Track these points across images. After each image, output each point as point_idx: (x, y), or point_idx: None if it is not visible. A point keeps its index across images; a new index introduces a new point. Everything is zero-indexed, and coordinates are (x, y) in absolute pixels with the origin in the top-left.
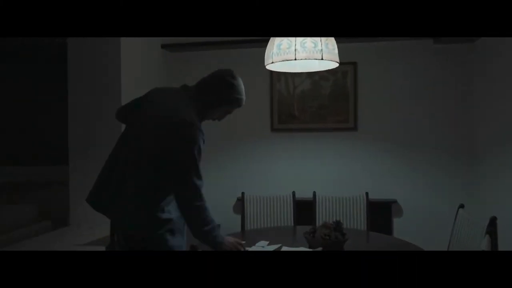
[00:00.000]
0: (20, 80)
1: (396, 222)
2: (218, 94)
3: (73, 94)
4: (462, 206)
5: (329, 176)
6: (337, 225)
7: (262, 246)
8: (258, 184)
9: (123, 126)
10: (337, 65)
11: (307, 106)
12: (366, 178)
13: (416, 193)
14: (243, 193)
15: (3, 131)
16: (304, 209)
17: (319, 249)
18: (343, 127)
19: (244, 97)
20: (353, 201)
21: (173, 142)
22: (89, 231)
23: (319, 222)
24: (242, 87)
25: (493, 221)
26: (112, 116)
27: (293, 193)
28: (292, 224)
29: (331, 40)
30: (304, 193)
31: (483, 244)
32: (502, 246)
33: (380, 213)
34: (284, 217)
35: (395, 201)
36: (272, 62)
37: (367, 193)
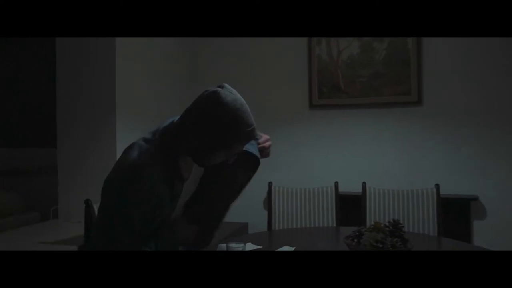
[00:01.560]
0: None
1: (477, 225)
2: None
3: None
4: None
5: (384, 164)
6: (395, 226)
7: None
8: (292, 174)
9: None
10: None
11: (355, 75)
12: (436, 167)
13: (503, 189)
14: (270, 184)
15: None
16: (350, 206)
17: None
18: (404, 101)
19: (244, 127)
20: (418, 196)
21: None
22: (78, 225)
23: (370, 223)
24: (243, 113)
25: None
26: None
27: (336, 184)
28: (334, 224)
29: None
30: (351, 186)
31: None
32: None
33: (456, 213)
34: (323, 216)
35: (475, 198)
36: None
37: (437, 186)
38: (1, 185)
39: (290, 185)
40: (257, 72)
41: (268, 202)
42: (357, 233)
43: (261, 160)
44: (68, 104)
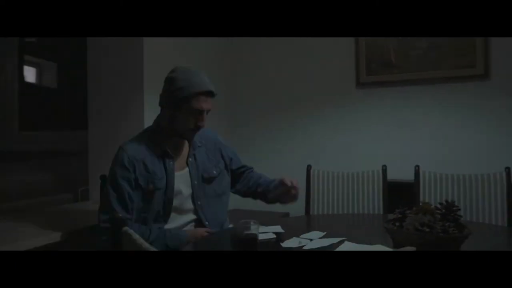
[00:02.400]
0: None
1: None
2: (161, 98)
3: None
4: None
5: (442, 148)
6: (448, 209)
7: (308, 239)
8: (335, 158)
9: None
10: None
11: (409, 47)
12: (505, 150)
13: None
14: (308, 167)
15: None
16: (401, 195)
17: (410, 249)
18: (467, 75)
19: (194, 82)
20: (484, 182)
21: None
22: None
23: None
24: (186, 74)
25: None
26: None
27: (384, 168)
28: (381, 212)
29: None
30: (402, 173)
31: None
32: None
33: None
34: (368, 202)
35: None
36: None
37: (508, 170)
38: (35, 167)
39: (333, 170)
40: (299, 49)
41: (307, 186)
42: (400, 216)
43: (303, 143)
44: (98, 87)
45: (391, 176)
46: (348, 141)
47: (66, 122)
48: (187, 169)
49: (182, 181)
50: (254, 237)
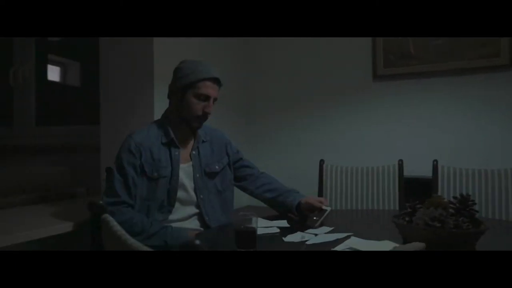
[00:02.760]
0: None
1: None
2: (169, 88)
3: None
4: None
5: (464, 143)
6: (463, 203)
7: (313, 234)
8: (352, 152)
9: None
10: None
11: (429, 37)
12: None
13: None
14: (321, 162)
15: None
16: (418, 192)
17: (419, 245)
18: (491, 65)
19: (201, 69)
20: (508, 177)
21: None
22: None
23: None
24: (193, 63)
25: None
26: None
27: (400, 163)
28: (397, 208)
29: None
30: (419, 169)
31: None
32: None
33: None
34: (383, 198)
35: None
36: None
37: None
38: (51, 161)
39: (348, 165)
40: (314, 41)
41: (319, 181)
42: (410, 210)
43: (318, 137)
44: (109, 82)
45: (408, 172)
46: (364, 136)
47: (83, 117)
48: (190, 162)
49: (185, 173)
50: (252, 230)
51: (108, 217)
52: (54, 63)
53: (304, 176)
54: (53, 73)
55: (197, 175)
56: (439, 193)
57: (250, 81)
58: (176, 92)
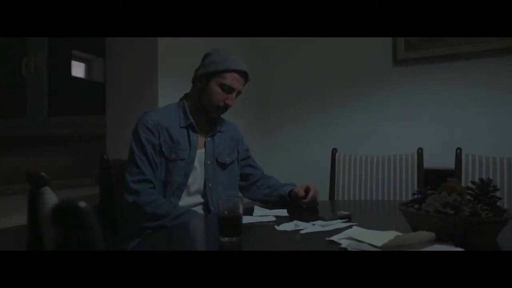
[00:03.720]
0: None
1: None
2: (195, 72)
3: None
4: None
5: (493, 132)
6: (484, 189)
7: (312, 223)
8: (370, 141)
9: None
10: None
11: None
12: None
13: None
14: (333, 150)
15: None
16: (439, 184)
17: (428, 234)
18: None
19: (232, 60)
20: None
21: None
22: None
23: None
24: (223, 52)
25: None
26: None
27: (420, 151)
28: None
29: None
30: (442, 158)
31: None
32: None
33: None
34: (401, 188)
35: None
36: None
37: None
38: (61, 151)
39: (365, 154)
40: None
41: (331, 171)
42: (419, 197)
43: (333, 129)
44: (115, 73)
45: (428, 163)
46: (380, 123)
47: (92, 107)
48: (203, 149)
49: (198, 159)
50: (237, 216)
51: (48, 190)
52: (79, 59)
53: (316, 165)
54: (78, 69)
55: (208, 162)
56: (463, 182)
57: (264, 70)
58: (201, 78)
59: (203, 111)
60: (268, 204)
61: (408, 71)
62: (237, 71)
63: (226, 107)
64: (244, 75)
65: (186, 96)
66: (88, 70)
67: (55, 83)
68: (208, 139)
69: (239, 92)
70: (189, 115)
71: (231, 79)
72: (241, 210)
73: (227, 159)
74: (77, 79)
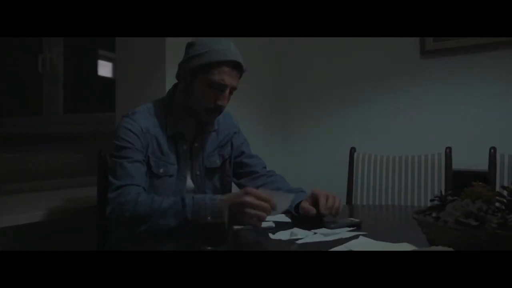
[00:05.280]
0: None
1: None
2: (179, 67)
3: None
4: None
5: None
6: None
7: (313, 232)
8: (394, 139)
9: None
10: None
11: None
12: None
13: None
14: (352, 150)
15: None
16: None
17: (443, 249)
18: None
19: (218, 49)
20: None
21: None
22: None
23: None
24: (208, 40)
25: None
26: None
27: (448, 151)
28: None
29: None
30: (473, 160)
31: None
32: None
33: None
34: (427, 193)
35: None
36: None
37: None
38: (77, 148)
39: (381, 154)
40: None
41: (349, 172)
42: (438, 204)
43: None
44: (124, 71)
45: (458, 165)
46: (403, 120)
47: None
48: (192, 160)
49: (187, 171)
50: (220, 223)
51: None
52: (105, 58)
53: (335, 166)
54: (104, 69)
55: (197, 173)
56: (497, 185)
57: (284, 65)
58: (185, 73)
59: (192, 114)
60: None
61: (437, 62)
62: (226, 62)
63: (218, 108)
64: (236, 66)
65: (171, 93)
66: (111, 68)
67: (70, 81)
68: (196, 145)
69: (233, 88)
70: (177, 121)
71: (220, 74)
72: (227, 215)
73: (218, 161)
74: (94, 77)
